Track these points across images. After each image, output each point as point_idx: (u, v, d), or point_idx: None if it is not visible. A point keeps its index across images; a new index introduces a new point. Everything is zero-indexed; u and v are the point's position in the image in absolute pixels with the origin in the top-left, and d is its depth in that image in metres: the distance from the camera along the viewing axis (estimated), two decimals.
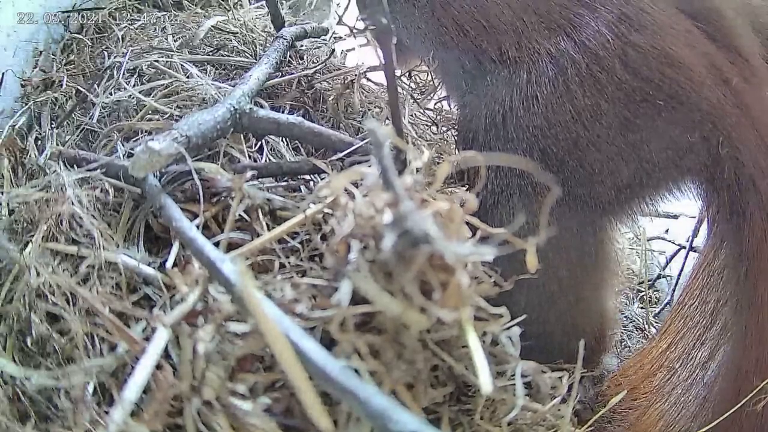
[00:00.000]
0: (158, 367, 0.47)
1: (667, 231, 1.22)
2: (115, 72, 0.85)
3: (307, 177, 0.69)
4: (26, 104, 0.94)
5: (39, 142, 0.86)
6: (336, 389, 0.37)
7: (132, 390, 0.44)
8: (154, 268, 0.59)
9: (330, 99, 0.82)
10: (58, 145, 0.79)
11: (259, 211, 0.59)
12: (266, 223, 0.59)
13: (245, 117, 0.67)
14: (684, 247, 1.13)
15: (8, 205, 0.70)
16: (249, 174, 0.60)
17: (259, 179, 0.65)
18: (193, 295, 0.49)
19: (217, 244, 0.51)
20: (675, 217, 1.17)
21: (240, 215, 0.58)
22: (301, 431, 0.47)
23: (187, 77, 0.81)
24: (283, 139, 0.76)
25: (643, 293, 1.14)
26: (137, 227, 0.62)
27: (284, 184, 0.67)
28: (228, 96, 0.68)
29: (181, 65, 0.83)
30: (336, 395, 0.39)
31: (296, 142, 0.76)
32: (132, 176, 0.58)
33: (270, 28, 0.99)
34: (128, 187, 0.64)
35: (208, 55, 0.92)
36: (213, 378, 0.46)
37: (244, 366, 0.48)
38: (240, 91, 0.69)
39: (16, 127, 0.91)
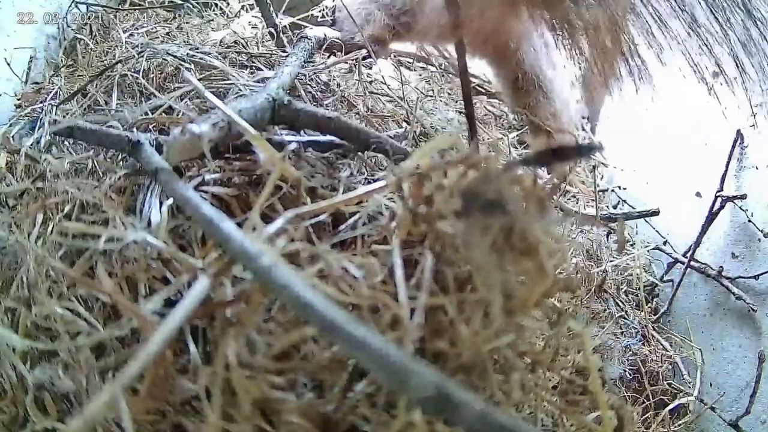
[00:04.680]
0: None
1: (665, 243, 1.22)
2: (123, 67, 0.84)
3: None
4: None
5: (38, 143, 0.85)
6: (351, 345, 0.35)
7: (152, 345, 0.35)
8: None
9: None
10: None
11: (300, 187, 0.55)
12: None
13: (283, 108, 0.66)
14: (680, 261, 1.13)
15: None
16: (291, 147, 0.56)
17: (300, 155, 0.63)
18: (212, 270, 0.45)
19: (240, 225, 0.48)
20: (655, 213, 1.15)
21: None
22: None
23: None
24: None
25: (647, 299, 1.14)
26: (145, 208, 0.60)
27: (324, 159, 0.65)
28: (265, 87, 0.67)
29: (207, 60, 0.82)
30: (351, 352, 0.36)
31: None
32: (129, 151, 0.56)
33: (266, 39, 0.99)
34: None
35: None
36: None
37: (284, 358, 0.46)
38: (276, 83, 0.68)
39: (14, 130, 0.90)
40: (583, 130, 1.50)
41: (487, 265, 0.37)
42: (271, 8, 0.96)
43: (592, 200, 1.18)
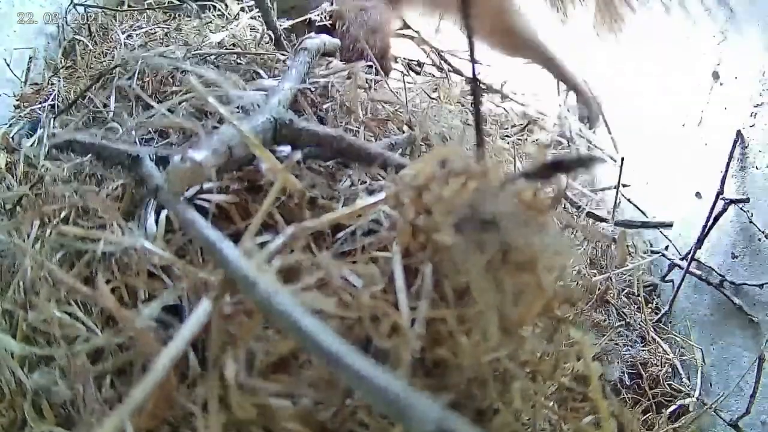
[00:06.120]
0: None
1: (667, 248, 1.21)
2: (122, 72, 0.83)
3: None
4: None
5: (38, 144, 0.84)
6: (350, 376, 0.34)
7: (156, 370, 0.36)
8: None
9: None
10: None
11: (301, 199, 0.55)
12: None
13: (285, 128, 0.64)
14: (678, 266, 1.13)
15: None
16: (295, 157, 0.55)
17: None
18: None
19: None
20: (669, 225, 1.16)
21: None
22: None
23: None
24: None
25: (647, 300, 1.14)
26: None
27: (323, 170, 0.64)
28: (265, 105, 0.65)
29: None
30: (351, 383, 0.36)
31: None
32: (129, 166, 0.56)
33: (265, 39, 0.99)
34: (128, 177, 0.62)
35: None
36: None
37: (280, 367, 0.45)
38: (276, 99, 0.66)
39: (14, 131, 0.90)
40: (584, 132, 1.50)
41: (483, 283, 0.36)
42: (273, 10, 0.95)
43: (595, 204, 1.18)
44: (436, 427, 0.30)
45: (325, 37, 0.93)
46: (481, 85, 1.48)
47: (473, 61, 0.46)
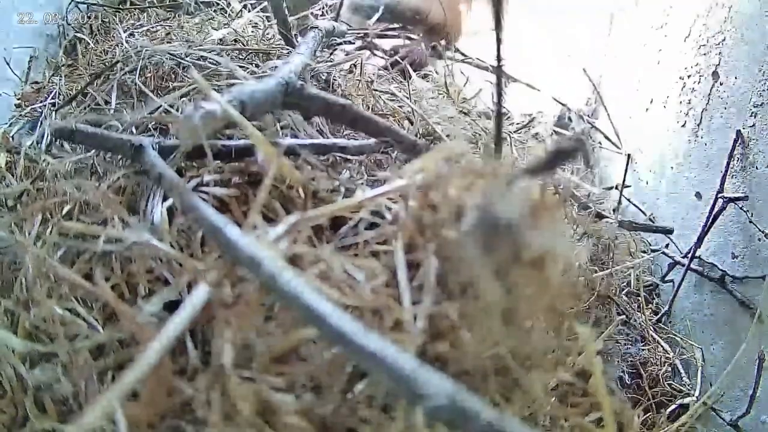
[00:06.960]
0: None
1: (667, 246, 1.21)
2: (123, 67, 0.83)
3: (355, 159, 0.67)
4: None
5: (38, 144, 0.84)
6: (360, 354, 0.34)
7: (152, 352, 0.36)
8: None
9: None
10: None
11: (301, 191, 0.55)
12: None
13: (295, 93, 0.64)
14: (679, 263, 1.13)
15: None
16: (284, 143, 0.55)
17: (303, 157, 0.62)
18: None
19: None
20: (670, 231, 1.17)
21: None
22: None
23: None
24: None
25: (648, 300, 1.14)
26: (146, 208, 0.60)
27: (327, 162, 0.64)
28: (277, 71, 0.66)
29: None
30: (361, 361, 0.35)
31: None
32: (132, 155, 0.56)
33: (268, 35, 0.98)
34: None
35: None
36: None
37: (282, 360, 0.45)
38: (288, 68, 0.67)
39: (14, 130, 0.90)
40: (587, 128, 1.50)
41: (492, 282, 0.36)
42: (286, 9, 0.95)
43: (599, 201, 1.18)
44: (449, 402, 0.30)
45: (335, 22, 0.93)
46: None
47: (499, 55, 0.46)
